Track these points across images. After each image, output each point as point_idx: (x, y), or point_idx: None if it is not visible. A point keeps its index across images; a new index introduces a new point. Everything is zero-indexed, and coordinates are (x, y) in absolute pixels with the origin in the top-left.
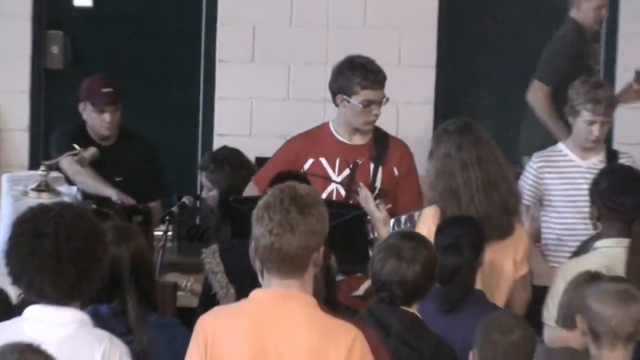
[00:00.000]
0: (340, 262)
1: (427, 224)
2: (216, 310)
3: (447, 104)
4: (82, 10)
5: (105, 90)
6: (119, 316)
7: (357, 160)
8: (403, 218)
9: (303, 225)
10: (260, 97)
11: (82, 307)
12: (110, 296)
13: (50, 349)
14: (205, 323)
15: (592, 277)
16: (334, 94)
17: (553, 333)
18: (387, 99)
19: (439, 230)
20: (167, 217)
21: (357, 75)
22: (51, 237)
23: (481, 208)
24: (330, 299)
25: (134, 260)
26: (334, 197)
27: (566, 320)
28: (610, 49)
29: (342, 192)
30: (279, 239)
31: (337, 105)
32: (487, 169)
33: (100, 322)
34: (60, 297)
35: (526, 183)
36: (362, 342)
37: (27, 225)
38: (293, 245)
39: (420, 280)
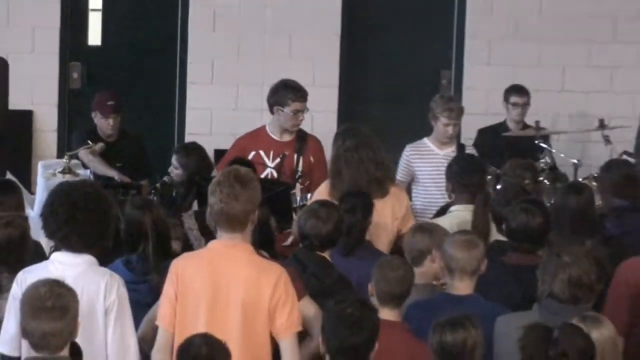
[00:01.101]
0: (277, 222)
1: (322, 195)
2: (185, 255)
3: (346, 112)
4: (94, 47)
5: (109, 103)
6: (143, 261)
7: (285, 152)
8: (308, 195)
9: (243, 195)
10: (217, 107)
11: (117, 257)
12: (136, 247)
13: (68, 282)
14: (177, 264)
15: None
16: (271, 106)
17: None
18: (308, 109)
19: (342, 200)
20: (153, 191)
21: (289, 92)
22: (82, 209)
23: (352, 181)
24: (269, 248)
25: (154, 222)
26: (269, 177)
27: (414, 260)
28: (459, 71)
29: (275, 174)
30: (226, 205)
31: (272, 113)
32: (363, 154)
33: (130, 265)
34: (82, 247)
35: (401, 166)
36: (285, 276)
37: (63, 199)
38: (236, 209)
39: (331, 234)
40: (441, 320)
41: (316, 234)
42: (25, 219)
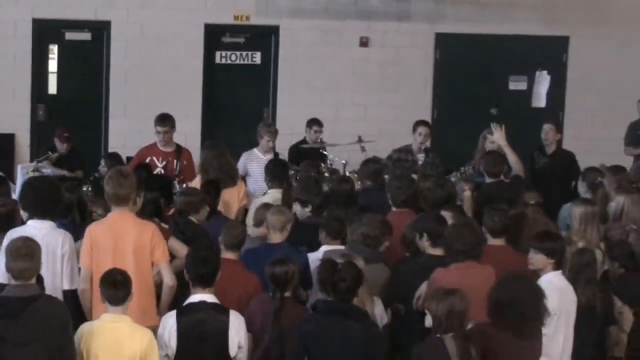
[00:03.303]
0: (164, 201)
1: (196, 184)
2: (95, 222)
3: (209, 132)
4: (52, 95)
5: (65, 135)
6: (71, 223)
7: (169, 158)
8: (184, 185)
9: (126, 182)
10: (128, 131)
11: (55, 219)
12: (67, 215)
13: (38, 238)
14: (91, 228)
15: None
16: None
17: None
18: (170, 130)
19: (203, 187)
20: (90, 179)
21: (155, 120)
22: (43, 192)
23: (215, 175)
24: (160, 216)
25: (79, 200)
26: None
27: (256, 223)
28: (274, 108)
29: (163, 172)
30: (115, 190)
31: (157, 133)
32: (221, 160)
33: (63, 226)
34: (44, 216)
35: (239, 165)
36: (156, 228)
37: (30, 187)
38: (122, 192)
39: (195, 204)
40: (272, 259)
41: (187, 208)
42: (15, 201)
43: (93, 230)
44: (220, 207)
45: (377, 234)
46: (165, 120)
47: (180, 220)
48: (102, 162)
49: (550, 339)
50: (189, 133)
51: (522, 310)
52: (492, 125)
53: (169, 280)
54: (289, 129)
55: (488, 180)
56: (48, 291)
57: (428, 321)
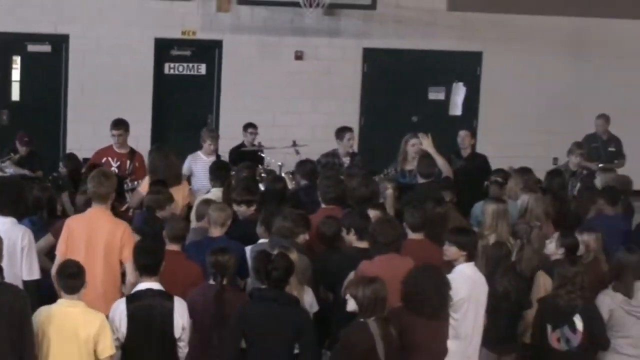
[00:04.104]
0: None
1: (146, 183)
2: (73, 217)
3: (158, 136)
4: (15, 101)
5: (25, 139)
6: (40, 220)
7: (122, 159)
8: (135, 183)
9: (106, 182)
10: (84, 136)
11: (22, 218)
12: (37, 212)
13: (1, 233)
14: (68, 222)
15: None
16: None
17: None
18: (124, 133)
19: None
20: (50, 178)
21: (111, 125)
22: (6, 191)
23: (163, 176)
24: (113, 212)
25: (48, 199)
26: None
27: (198, 217)
28: (217, 114)
29: (117, 171)
30: (96, 188)
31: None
32: (169, 161)
33: (32, 223)
34: (7, 213)
35: (185, 166)
36: (128, 227)
37: None
38: (102, 191)
39: (157, 201)
40: (213, 248)
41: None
42: None
43: (71, 223)
44: None
45: (293, 227)
46: (119, 125)
47: (148, 215)
48: (61, 162)
49: (461, 323)
50: (140, 137)
51: (427, 295)
52: (420, 134)
53: (131, 277)
54: (231, 134)
55: (421, 180)
56: (8, 281)
57: (350, 306)
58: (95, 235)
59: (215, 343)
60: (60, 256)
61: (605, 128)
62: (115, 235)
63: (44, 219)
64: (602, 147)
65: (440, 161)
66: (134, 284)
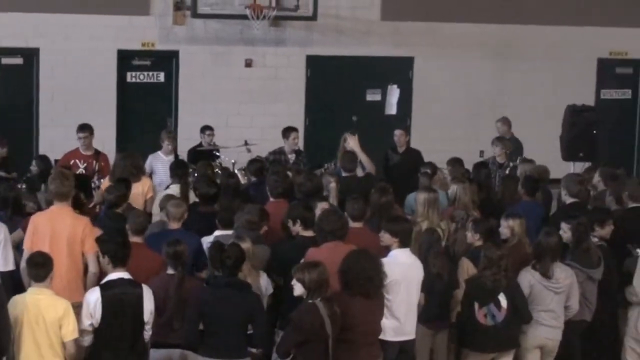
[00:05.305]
0: (84, 195)
1: (107, 182)
2: (38, 213)
3: (122, 139)
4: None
5: (3, 140)
6: (5, 216)
7: (89, 160)
8: (101, 181)
9: (66, 182)
10: (56, 138)
11: None
12: (4, 208)
13: None
14: (33, 218)
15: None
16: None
17: None
18: (88, 136)
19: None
20: (24, 179)
21: (77, 128)
22: None
23: (124, 174)
24: (80, 208)
25: (15, 198)
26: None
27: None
28: (177, 117)
29: (84, 171)
30: (58, 188)
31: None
32: (132, 161)
33: (1, 217)
34: None
35: (146, 164)
36: (90, 225)
37: None
38: (64, 190)
39: (117, 199)
40: (168, 240)
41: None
42: None
43: (35, 219)
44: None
45: (257, 220)
46: (85, 128)
47: (108, 212)
48: (34, 162)
49: (393, 303)
50: (106, 139)
51: (368, 275)
52: (347, 134)
53: (93, 268)
54: (189, 135)
55: (344, 174)
56: None
57: (297, 291)
58: (58, 230)
59: (176, 327)
60: (27, 250)
61: (505, 129)
62: (77, 229)
63: (8, 215)
64: None
65: (364, 158)
66: (96, 274)
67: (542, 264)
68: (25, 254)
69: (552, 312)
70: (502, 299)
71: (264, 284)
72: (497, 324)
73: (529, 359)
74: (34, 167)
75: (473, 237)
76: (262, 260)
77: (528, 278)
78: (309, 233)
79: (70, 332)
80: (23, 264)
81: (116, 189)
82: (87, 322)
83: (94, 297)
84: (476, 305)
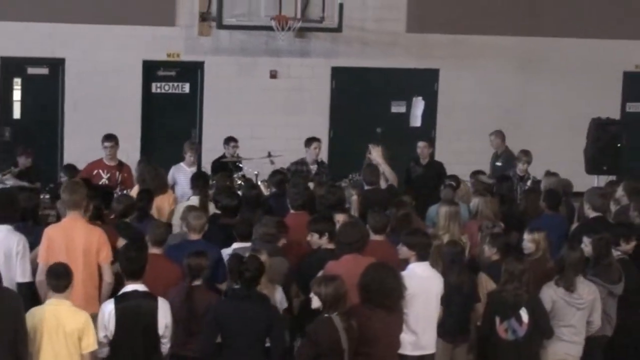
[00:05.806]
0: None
1: (134, 193)
2: (52, 225)
3: (146, 150)
4: (16, 119)
5: (28, 150)
6: (29, 227)
7: (112, 171)
8: (125, 191)
9: (78, 190)
10: (81, 149)
11: (14, 223)
12: (26, 218)
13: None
14: (47, 230)
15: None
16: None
17: None
18: (115, 145)
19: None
20: (47, 189)
21: (103, 138)
22: (4, 202)
23: (150, 186)
24: (101, 219)
25: (34, 207)
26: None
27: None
28: (201, 129)
29: (107, 182)
30: (70, 197)
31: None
32: (157, 172)
33: (21, 227)
34: (2, 221)
35: (169, 176)
36: (104, 235)
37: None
38: (76, 198)
39: (129, 209)
40: (189, 252)
41: (122, 210)
42: None
43: (49, 232)
44: (153, 211)
45: (274, 232)
46: (111, 138)
47: (121, 224)
48: (61, 173)
49: (412, 317)
50: (130, 150)
51: (388, 289)
52: (370, 145)
53: (108, 278)
54: (213, 146)
55: (366, 187)
56: (5, 283)
57: (314, 303)
58: (72, 241)
59: (181, 339)
60: (42, 263)
61: (498, 143)
62: (91, 240)
63: (28, 226)
64: (492, 161)
65: (387, 170)
66: (111, 284)
67: (565, 278)
68: (41, 268)
69: (573, 327)
70: (524, 314)
71: (279, 298)
72: (517, 338)
73: None
74: (62, 178)
75: (490, 251)
76: (280, 273)
77: (550, 293)
78: (331, 246)
79: (90, 344)
80: (39, 277)
81: (124, 199)
82: (102, 334)
83: (108, 309)
84: (497, 320)
